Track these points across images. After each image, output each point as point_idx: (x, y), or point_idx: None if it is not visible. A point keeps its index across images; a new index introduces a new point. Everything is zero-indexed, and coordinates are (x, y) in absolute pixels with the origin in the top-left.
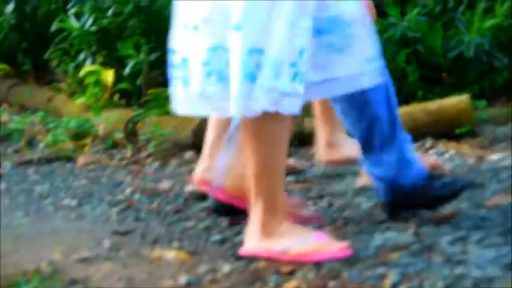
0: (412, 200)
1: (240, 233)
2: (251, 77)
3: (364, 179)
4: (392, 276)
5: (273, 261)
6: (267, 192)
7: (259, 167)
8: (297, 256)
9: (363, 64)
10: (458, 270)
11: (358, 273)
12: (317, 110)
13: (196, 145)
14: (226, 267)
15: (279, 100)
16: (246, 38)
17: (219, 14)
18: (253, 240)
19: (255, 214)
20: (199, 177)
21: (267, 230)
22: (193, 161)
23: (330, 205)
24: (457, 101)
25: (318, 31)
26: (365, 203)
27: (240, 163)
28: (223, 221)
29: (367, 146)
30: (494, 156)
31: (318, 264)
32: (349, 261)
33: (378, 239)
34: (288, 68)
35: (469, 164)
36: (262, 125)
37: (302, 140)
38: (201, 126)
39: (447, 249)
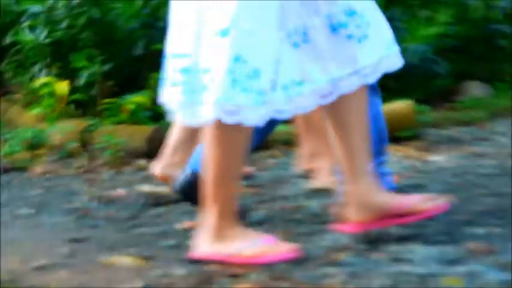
0: None
1: (194, 237)
2: (234, 84)
3: (316, 182)
4: (341, 276)
5: (225, 264)
6: (224, 198)
7: (219, 173)
8: (249, 258)
9: (383, 49)
10: (404, 267)
11: (309, 274)
12: (299, 119)
13: (150, 153)
14: (181, 271)
15: (255, 109)
16: (233, 44)
17: (194, 20)
18: (206, 243)
19: (209, 218)
20: (160, 174)
21: (219, 234)
22: (147, 169)
23: (282, 208)
24: (401, 106)
25: (334, 27)
26: (315, 205)
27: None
28: (178, 226)
29: None
30: (436, 158)
31: (269, 266)
32: (300, 262)
33: (327, 239)
34: (265, 78)
35: (413, 165)
36: (227, 132)
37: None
38: (154, 134)
39: (393, 248)
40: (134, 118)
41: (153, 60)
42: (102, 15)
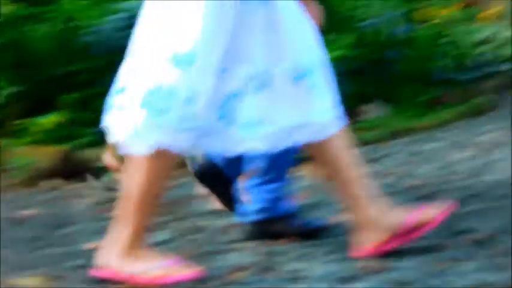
0: (278, 228)
1: (101, 254)
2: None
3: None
4: None
5: (130, 284)
6: (141, 219)
7: (142, 196)
8: (153, 279)
9: (331, 111)
10: (301, 286)
11: None
12: None
13: (63, 172)
14: None
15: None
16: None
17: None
18: (114, 260)
19: (122, 236)
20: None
21: (129, 252)
22: (60, 188)
23: (186, 228)
24: None
25: (296, 78)
26: (219, 225)
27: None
28: (86, 246)
29: (264, 172)
30: None
31: (172, 286)
32: (202, 282)
33: (229, 259)
34: (198, 106)
35: (312, 185)
36: (154, 159)
37: None
38: (66, 154)
39: (293, 266)
40: (47, 138)
41: (67, 82)
42: (17, 37)
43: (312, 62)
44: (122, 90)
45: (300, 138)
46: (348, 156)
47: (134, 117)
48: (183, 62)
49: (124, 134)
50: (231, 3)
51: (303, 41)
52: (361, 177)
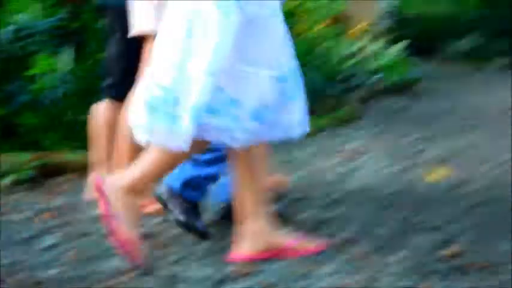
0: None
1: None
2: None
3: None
4: None
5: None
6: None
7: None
8: None
9: (300, 115)
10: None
11: None
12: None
13: None
14: None
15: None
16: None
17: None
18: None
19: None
20: None
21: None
22: None
23: (77, 231)
24: None
25: (279, 79)
26: (103, 230)
27: None
28: None
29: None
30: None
31: None
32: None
33: (112, 262)
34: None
35: None
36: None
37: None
38: None
39: (172, 269)
40: None
41: None
42: None
43: (288, 70)
44: (175, 100)
45: (271, 137)
46: (263, 169)
47: (180, 121)
48: (210, 74)
49: (165, 135)
50: (238, 21)
51: (284, 52)
52: (264, 191)
